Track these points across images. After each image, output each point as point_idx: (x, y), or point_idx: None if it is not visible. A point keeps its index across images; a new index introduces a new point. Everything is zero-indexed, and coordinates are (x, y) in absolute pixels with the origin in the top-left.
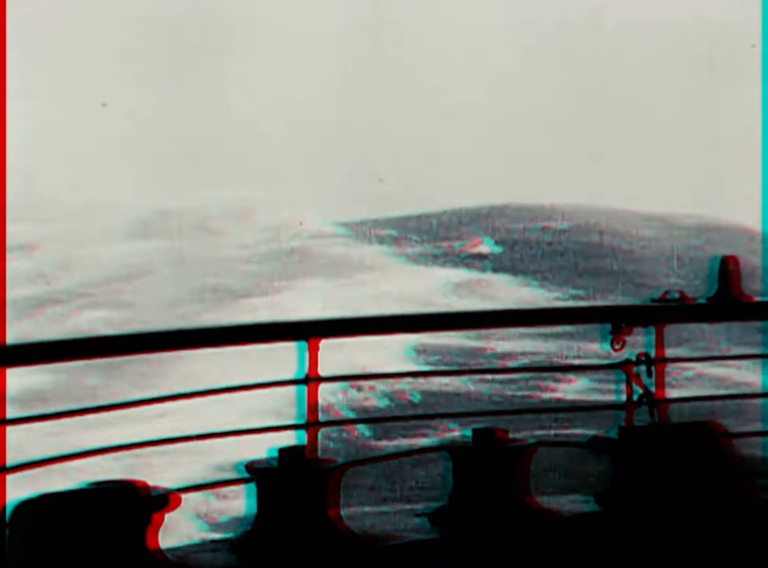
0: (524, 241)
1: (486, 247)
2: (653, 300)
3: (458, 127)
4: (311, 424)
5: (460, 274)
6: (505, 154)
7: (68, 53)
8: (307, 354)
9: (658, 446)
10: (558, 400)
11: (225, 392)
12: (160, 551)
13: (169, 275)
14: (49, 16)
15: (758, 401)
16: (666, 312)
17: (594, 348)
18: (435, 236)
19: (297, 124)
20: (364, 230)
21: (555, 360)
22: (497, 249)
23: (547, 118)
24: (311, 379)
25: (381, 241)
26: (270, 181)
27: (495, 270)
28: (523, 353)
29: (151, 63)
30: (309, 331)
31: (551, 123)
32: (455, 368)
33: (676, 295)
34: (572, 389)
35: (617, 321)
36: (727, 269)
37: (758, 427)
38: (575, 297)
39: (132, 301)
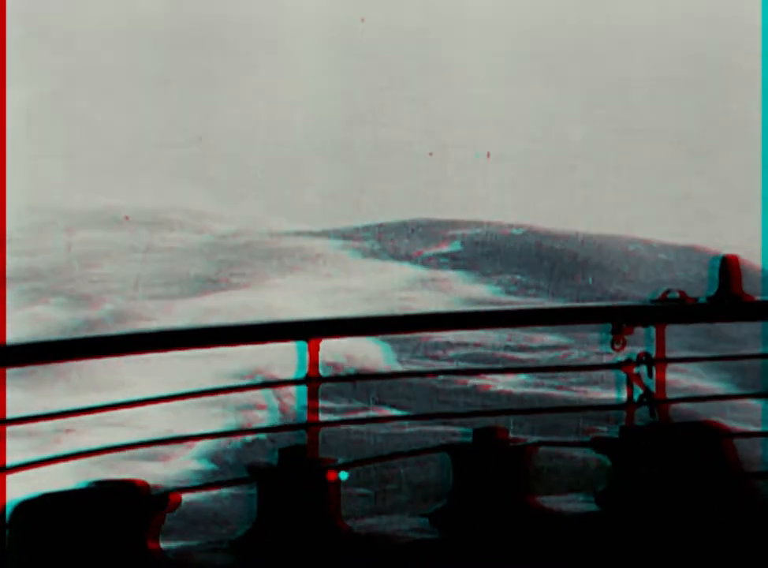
0: (480, 244)
1: (441, 249)
2: (653, 300)
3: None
4: (311, 423)
5: (417, 271)
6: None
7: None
8: (307, 354)
9: (659, 446)
10: (486, 388)
11: (222, 393)
12: (160, 550)
13: (126, 263)
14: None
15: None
16: (667, 311)
17: (540, 338)
18: (393, 239)
19: (267, 136)
20: (324, 233)
21: (493, 351)
22: (454, 248)
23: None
24: (311, 379)
25: (340, 242)
26: (232, 188)
27: (451, 268)
28: (464, 344)
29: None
30: (309, 331)
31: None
32: (459, 366)
33: (677, 295)
34: (504, 380)
35: (617, 321)
36: (728, 268)
37: None
38: (525, 295)
39: (90, 285)
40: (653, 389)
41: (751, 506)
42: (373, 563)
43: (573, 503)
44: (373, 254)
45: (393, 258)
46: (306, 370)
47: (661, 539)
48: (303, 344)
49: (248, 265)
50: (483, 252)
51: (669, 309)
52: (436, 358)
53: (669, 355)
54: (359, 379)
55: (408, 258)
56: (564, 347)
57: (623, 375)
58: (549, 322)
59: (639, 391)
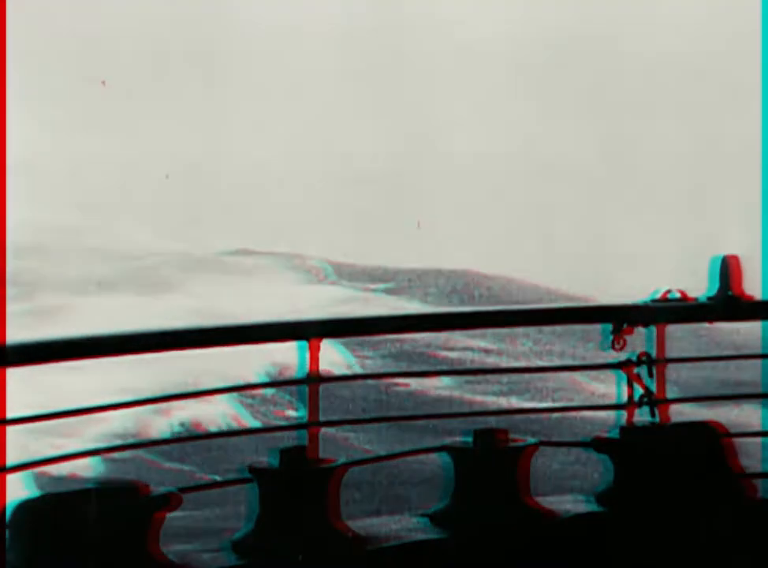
0: (407, 278)
1: (373, 285)
2: (653, 301)
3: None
4: (311, 423)
5: (349, 292)
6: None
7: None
8: (307, 354)
9: (659, 446)
10: (420, 393)
11: (222, 392)
12: (161, 551)
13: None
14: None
15: None
16: (667, 311)
17: (462, 339)
18: (334, 271)
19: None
20: (269, 254)
21: (420, 347)
22: (385, 286)
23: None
24: (311, 380)
25: (282, 262)
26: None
27: (380, 292)
28: (394, 340)
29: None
30: (310, 331)
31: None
32: (460, 367)
33: (677, 295)
34: (421, 382)
35: (617, 321)
36: (728, 268)
37: None
38: (438, 305)
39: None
40: (653, 389)
41: (751, 506)
42: (373, 563)
43: (573, 503)
44: (310, 274)
45: (328, 283)
46: (306, 370)
47: (661, 540)
48: (304, 344)
49: (188, 274)
50: (410, 285)
51: (670, 309)
52: (365, 358)
53: (668, 355)
54: (359, 379)
55: (341, 283)
56: (486, 350)
57: (623, 374)
58: (549, 322)
59: (639, 391)
